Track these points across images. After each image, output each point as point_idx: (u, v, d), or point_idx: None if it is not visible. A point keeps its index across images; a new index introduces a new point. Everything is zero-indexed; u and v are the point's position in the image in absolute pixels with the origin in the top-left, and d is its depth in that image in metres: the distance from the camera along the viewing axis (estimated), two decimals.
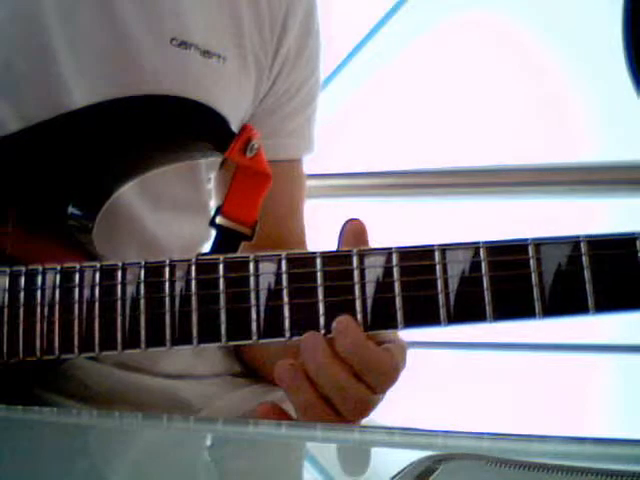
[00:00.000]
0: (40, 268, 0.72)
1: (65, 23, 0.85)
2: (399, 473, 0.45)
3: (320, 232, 1.06)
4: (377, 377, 0.69)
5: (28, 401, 0.74)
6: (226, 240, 0.79)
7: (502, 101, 2.04)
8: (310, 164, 1.07)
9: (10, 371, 0.72)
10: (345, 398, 0.68)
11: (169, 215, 0.92)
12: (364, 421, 0.95)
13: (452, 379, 1.95)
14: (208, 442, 0.63)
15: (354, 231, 0.72)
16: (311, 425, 0.67)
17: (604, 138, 1.98)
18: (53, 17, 0.84)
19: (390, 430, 0.70)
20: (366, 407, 0.70)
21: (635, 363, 1.79)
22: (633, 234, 0.66)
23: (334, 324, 0.68)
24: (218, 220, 0.79)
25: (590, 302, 0.65)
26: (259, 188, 0.79)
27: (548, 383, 1.95)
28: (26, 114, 0.80)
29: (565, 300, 0.66)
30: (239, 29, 0.93)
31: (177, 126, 0.79)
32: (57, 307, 0.71)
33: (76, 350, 0.70)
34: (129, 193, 0.86)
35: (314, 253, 0.68)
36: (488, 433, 0.56)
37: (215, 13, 0.92)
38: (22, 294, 0.72)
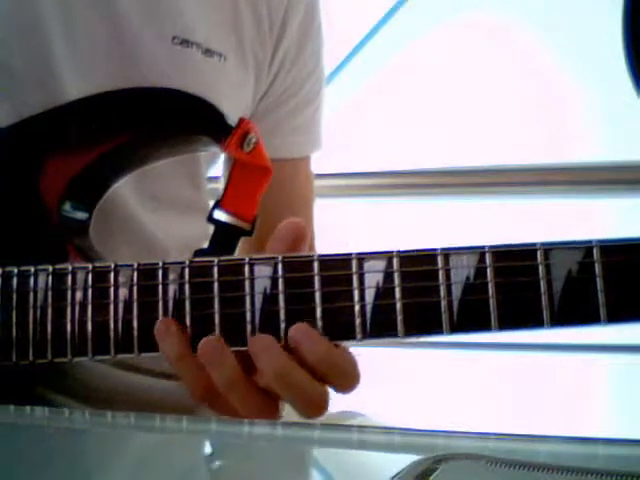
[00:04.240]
0: (32, 269, 0.70)
1: (64, 22, 0.84)
2: (399, 473, 0.45)
3: (320, 232, 1.06)
4: (345, 379, 0.67)
5: (30, 400, 0.74)
6: (224, 235, 0.76)
7: (502, 101, 2.04)
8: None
9: (12, 370, 0.72)
10: (305, 400, 0.67)
11: (169, 215, 0.92)
12: (364, 422, 0.95)
13: (452, 379, 1.95)
14: (206, 442, 0.63)
15: (294, 229, 0.69)
16: (308, 425, 0.67)
17: (604, 138, 1.98)
18: (52, 16, 0.84)
19: (390, 430, 0.70)
20: (325, 404, 0.68)
21: (635, 363, 1.79)
22: None
23: (291, 333, 0.65)
24: (216, 215, 0.77)
25: (602, 313, 0.61)
26: (258, 182, 0.77)
27: (548, 383, 1.95)
28: (24, 114, 0.80)
29: (575, 310, 0.62)
30: (238, 28, 0.93)
31: (171, 118, 0.78)
32: (49, 309, 0.69)
33: (69, 354, 0.69)
34: (128, 193, 0.86)
35: (311, 256, 0.66)
36: (488, 433, 0.56)
37: (216, 12, 0.92)
38: (15, 296, 0.70)
